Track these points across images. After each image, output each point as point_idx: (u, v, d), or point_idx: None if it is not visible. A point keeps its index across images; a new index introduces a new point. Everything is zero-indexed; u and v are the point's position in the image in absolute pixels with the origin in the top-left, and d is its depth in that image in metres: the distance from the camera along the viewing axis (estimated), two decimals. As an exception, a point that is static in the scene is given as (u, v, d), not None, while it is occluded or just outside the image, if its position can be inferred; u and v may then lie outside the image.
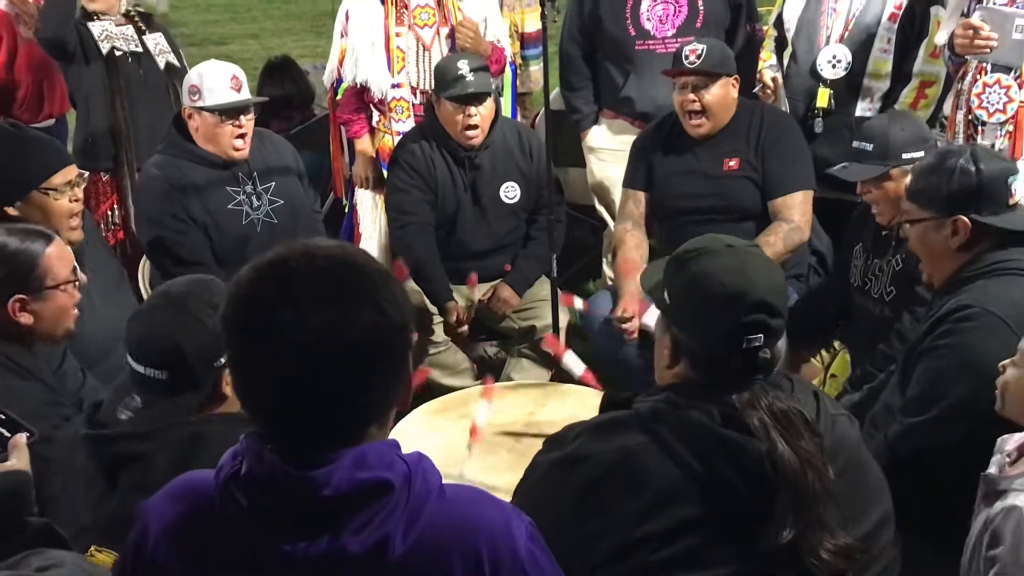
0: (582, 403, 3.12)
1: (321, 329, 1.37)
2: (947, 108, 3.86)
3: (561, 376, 3.52)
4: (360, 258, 1.47)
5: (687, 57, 3.67)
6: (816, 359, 3.66)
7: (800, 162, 3.79)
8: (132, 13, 4.50)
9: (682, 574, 1.81)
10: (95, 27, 4.37)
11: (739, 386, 1.86)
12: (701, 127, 3.74)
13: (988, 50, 3.45)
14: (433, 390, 3.67)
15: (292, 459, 1.40)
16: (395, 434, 1.84)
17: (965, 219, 2.54)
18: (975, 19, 3.47)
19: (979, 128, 3.52)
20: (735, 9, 4.31)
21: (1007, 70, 3.47)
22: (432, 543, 1.42)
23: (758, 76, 4.15)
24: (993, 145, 3.45)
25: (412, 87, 4.24)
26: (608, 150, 4.47)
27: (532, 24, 5.29)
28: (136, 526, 1.54)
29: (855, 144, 3.23)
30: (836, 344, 3.64)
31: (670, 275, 1.96)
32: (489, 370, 4.16)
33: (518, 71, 5.22)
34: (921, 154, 3.08)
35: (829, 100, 3.96)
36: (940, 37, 3.70)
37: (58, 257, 2.64)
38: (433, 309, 3.98)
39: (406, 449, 1.47)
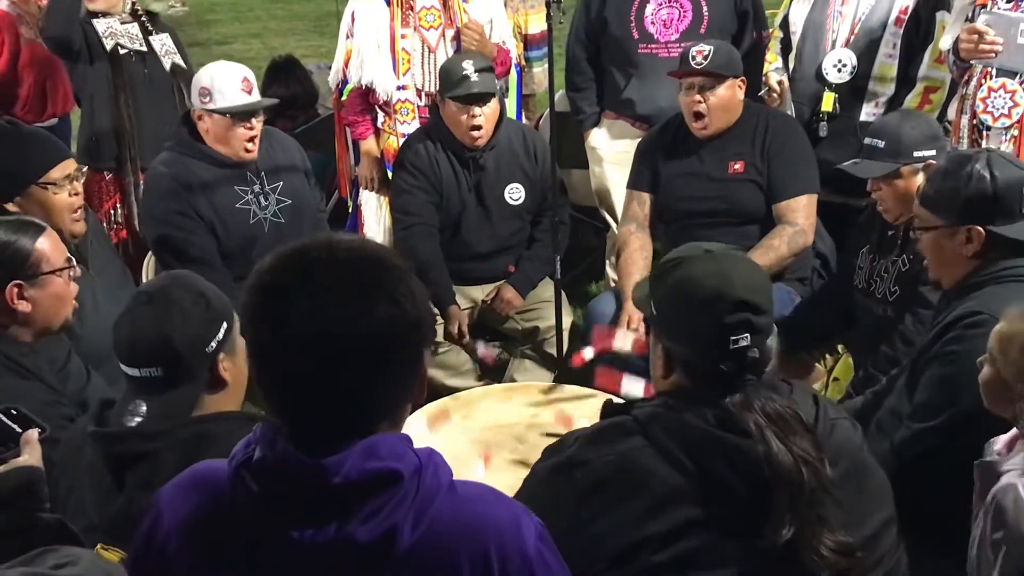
0: (585, 404, 3.11)
1: (338, 320, 1.38)
2: (951, 113, 3.86)
3: (564, 378, 3.51)
4: (380, 252, 1.48)
5: (694, 58, 3.67)
6: (819, 363, 3.66)
7: (805, 165, 3.79)
8: (139, 12, 4.50)
9: (687, 575, 1.82)
10: (100, 24, 4.36)
11: (732, 388, 1.87)
12: (706, 128, 3.74)
13: (993, 55, 3.45)
14: (436, 391, 3.67)
15: (304, 447, 1.41)
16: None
17: (980, 229, 2.53)
18: (980, 24, 3.48)
19: (984, 133, 3.52)
20: (741, 16, 4.30)
21: (1012, 74, 3.47)
22: (441, 538, 1.42)
23: (764, 79, 4.16)
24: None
25: (417, 89, 4.24)
26: (609, 151, 4.47)
27: (536, 26, 5.29)
28: (149, 515, 1.55)
29: (866, 141, 3.23)
30: (839, 347, 3.64)
31: (654, 287, 1.99)
32: (491, 371, 4.17)
33: (523, 73, 5.22)
34: (932, 153, 3.09)
35: (834, 104, 3.97)
36: (944, 42, 3.71)
37: (52, 245, 2.66)
38: (434, 309, 3.98)
39: None
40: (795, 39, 4.09)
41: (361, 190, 4.45)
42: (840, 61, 3.95)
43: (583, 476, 1.86)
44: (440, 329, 4.05)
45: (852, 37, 3.96)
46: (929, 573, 2.15)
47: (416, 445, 1.49)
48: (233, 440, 1.61)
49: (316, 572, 1.42)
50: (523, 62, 5.30)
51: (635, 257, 3.85)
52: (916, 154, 3.10)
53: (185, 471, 1.58)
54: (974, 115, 3.55)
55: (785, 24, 4.15)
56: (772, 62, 4.19)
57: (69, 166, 3.17)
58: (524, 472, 2.04)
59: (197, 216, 3.70)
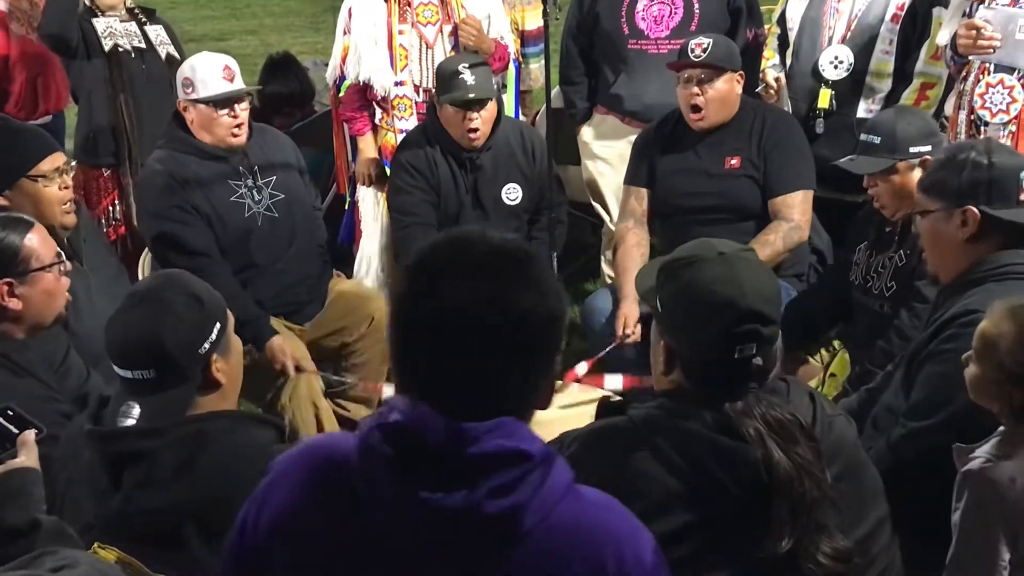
0: (575, 398, 3.11)
1: (487, 300, 1.42)
2: (948, 108, 3.86)
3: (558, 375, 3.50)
4: (528, 247, 1.54)
5: (692, 50, 3.67)
6: (815, 358, 3.66)
7: (801, 161, 3.78)
8: (135, 9, 4.50)
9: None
10: (99, 24, 4.37)
11: (733, 394, 1.86)
12: (704, 120, 3.74)
13: (991, 50, 3.45)
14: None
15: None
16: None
17: (975, 210, 2.53)
18: (978, 19, 3.47)
19: (981, 128, 3.52)
20: (734, 13, 4.30)
21: (1010, 70, 3.47)
22: (561, 534, 1.43)
23: (761, 76, 4.15)
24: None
25: (415, 85, 4.24)
26: (600, 146, 4.48)
27: (533, 22, 5.29)
28: (263, 481, 1.55)
29: (862, 137, 3.24)
30: (836, 343, 3.64)
31: (662, 283, 1.97)
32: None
33: (520, 69, 5.22)
34: (928, 148, 3.09)
35: (831, 101, 3.96)
36: (942, 37, 3.70)
37: (41, 241, 2.66)
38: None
39: None
40: (792, 35, 4.08)
41: (358, 186, 4.44)
42: (837, 57, 3.95)
43: (580, 480, 1.86)
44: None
45: (849, 33, 3.96)
46: (924, 570, 2.15)
47: None
48: (231, 439, 1.60)
49: (439, 537, 1.42)
50: (520, 58, 5.30)
51: (632, 253, 3.84)
52: (912, 150, 3.10)
53: (303, 445, 1.59)
54: (972, 111, 3.54)
55: (782, 20, 4.15)
56: (770, 58, 4.19)
57: (58, 159, 3.18)
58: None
59: (194, 210, 3.69)
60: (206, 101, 3.69)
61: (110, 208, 4.47)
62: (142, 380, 2.08)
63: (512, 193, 4.07)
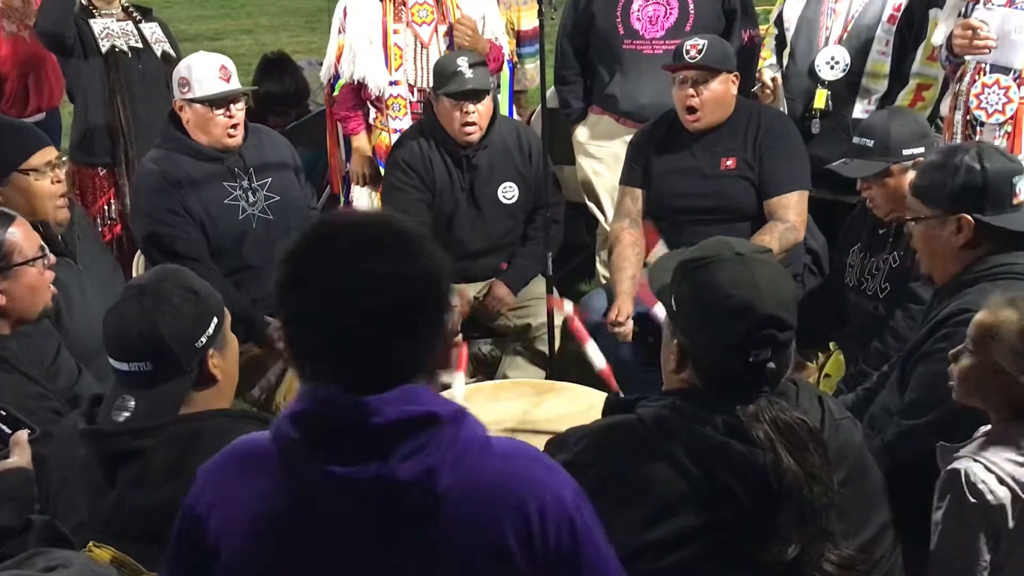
0: (576, 401, 3.13)
1: (356, 277, 1.45)
2: (944, 109, 3.86)
3: (557, 375, 3.51)
4: (401, 220, 1.57)
5: (688, 52, 3.67)
6: (811, 360, 3.66)
7: (797, 162, 3.78)
8: (131, 8, 4.49)
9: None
10: (96, 24, 4.36)
11: (744, 396, 1.85)
12: (699, 120, 3.74)
13: (987, 50, 3.45)
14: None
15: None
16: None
17: (969, 218, 2.54)
18: (974, 19, 3.47)
19: (977, 128, 3.52)
20: (729, 14, 4.30)
21: (1006, 71, 3.47)
22: (480, 486, 1.47)
23: (757, 75, 4.15)
24: (991, 145, 3.45)
25: (409, 84, 4.24)
26: (595, 146, 4.49)
27: (528, 22, 5.28)
28: (193, 486, 1.61)
29: (855, 140, 3.24)
30: (831, 344, 3.64)
31: (678, 282, 1.93)
32: (483, 368, 4.16)
33: (515, 69, 5.21)
34: (921, 150, 3.09)
35: (827, 101, 3.96)
36: (937, 37, 3.70)
37: (23, 235, 2.64)
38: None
39: None
40: (789, 36, 4.08)
41: (353, 186, 4.44)
42: (833, 58, 3.95)
43: (587, 480, 1.83)
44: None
45: (845, 34, 3.96)
46: (920, 569, 2.15)
47: None
48: (225, 437, 1.61)
49: (358, 509, 1.46)
50: (515, 58, 5.29)
51: (627, 253, 3.84)
52: (905, 152, 3.10)
53: (225, 447, 1.63)
54: (967, 111, 3.55)
55: (779, 21, 4.15)
56: (766, 59, 4.19)
57: (50, 153, 3.18)
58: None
59: (186, 213, 3.69)
60: (202, 101, 3.69)
61: (106, 207, 4.46)
62: (138, 372, 2.07)
63: (508, 192, 4.07)
